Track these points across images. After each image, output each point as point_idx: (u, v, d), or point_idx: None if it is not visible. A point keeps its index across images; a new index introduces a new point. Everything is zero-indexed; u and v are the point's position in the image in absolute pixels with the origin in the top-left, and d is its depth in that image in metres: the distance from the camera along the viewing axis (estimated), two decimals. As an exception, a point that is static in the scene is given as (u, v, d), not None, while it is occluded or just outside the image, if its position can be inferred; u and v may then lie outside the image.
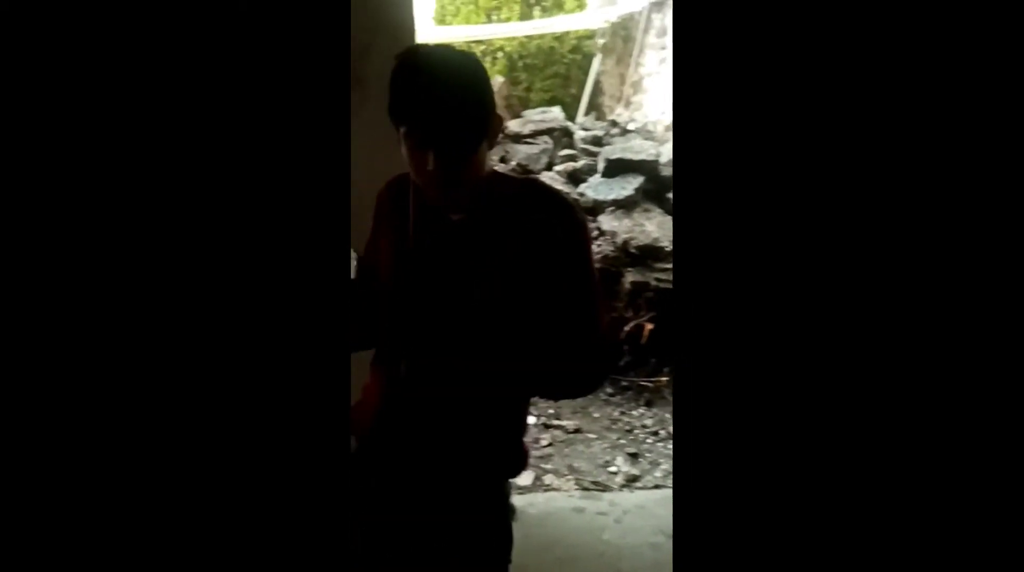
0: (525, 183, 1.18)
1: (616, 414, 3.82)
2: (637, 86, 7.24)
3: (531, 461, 3.27)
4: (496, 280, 1.08)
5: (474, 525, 1.18)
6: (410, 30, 2.34)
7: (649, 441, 3.58)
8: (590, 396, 3.87)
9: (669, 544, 2.47)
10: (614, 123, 5.70)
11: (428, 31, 7.31)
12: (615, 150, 4.77)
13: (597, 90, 7.32)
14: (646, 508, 2.76)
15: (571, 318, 1.08)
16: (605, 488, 3.11)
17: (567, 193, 4.51)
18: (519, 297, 1.07)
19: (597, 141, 5.24)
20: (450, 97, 0.99)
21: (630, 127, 5.59)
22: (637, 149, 4.73)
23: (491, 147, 1.08)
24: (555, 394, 1.17)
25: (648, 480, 3.20)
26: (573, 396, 1.22)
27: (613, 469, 3.28)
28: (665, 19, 6.87)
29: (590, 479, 3.15)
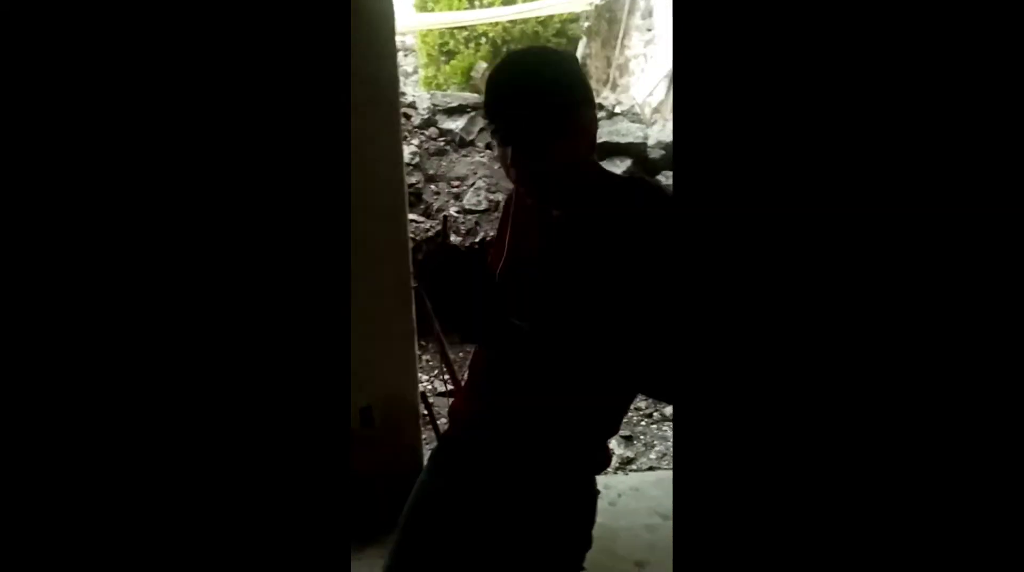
0: (629, 181, 1.16)
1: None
2: (623, 68, 7.21)
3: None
4: (593, 276, 1.06)
5: (559, 519, 1.18)
6: (389, 18, 2.32)
7: (643, 424, 3.60)
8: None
9: (664, 525, 2.50)
10: (600, 106, 5.68)
11: (409, 19, 7.25)
12: (602, 133, 4.76)
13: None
14: (640, 490, 2.77)
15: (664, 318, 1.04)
16: (600, 471, 3.12)
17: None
18: (618, 295, 1.04)
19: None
20: (515, 95, 1.02)
21: (617, 110, 5.57)
22: (624, 132, 4.72)
23: (583, 144, 1.08)
24: (658, 394, 1.16)
25: (643, 462, 3.22)
26: (658, 396, 1.17)
27: (608, 452, 3.30)
28: (650, 0, 6.83)
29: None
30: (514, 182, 1.09)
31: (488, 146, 5.04)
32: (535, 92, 1.02)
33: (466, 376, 1.29)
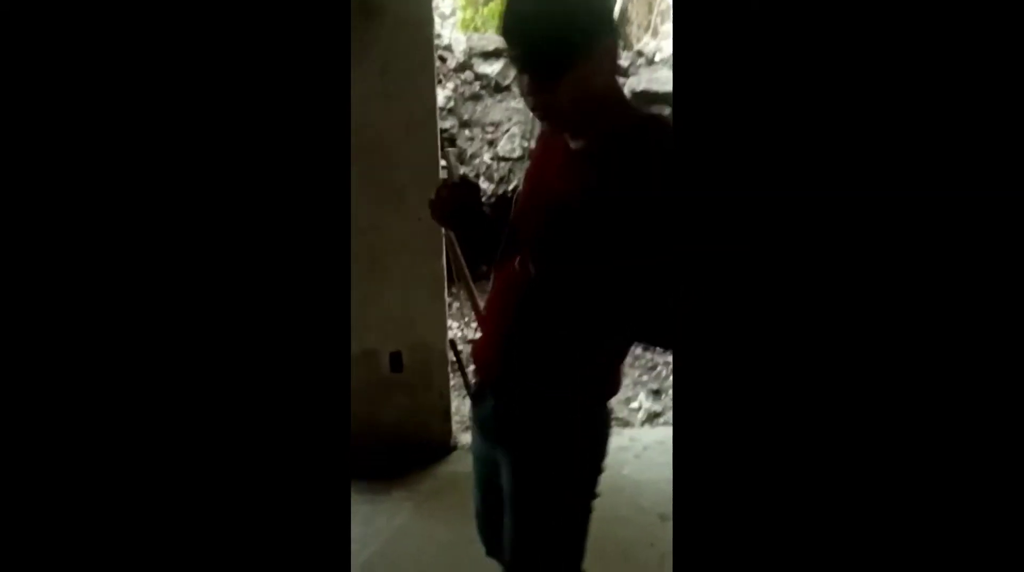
0: (647, 118, 1.13)
1: (639, 350, 3.82)
2: (665, 15, 7.00)
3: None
4: (607, 209, 1.04)
5: (568, 444, 1.23)
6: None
7: (671, 379, 3.59)
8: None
9: (689, 479, 2.50)
10: (640, 53, 5.53)
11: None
12: (640, 81, 4.64)
13: (623, 18, 7.09)
14: (665, 444, 2.77)
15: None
16: (627, 424, 3.13)
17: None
18: (627, 234, 1.04)
19: (623, 72, 5.09)
20: (530, 19, 1.01)
21: (656, 58, 5.42)
22: (663, 80, 4.60)
23: (600, 73, 1.05)
24: (653, 339, 1.25)
25: (670, 416, 3.21)
26: (659, 342, 1.25)
27: (635, 405, 3.30)
28: (695, -58, 6.59)
29: (612, 415, 3.17)
30: (531, 110, 1.09)
31: (524, 92, 4.95)
32: (550, 16, 1.00)
33: (480, 320, 1.34)
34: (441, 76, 4.76)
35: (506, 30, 1.04)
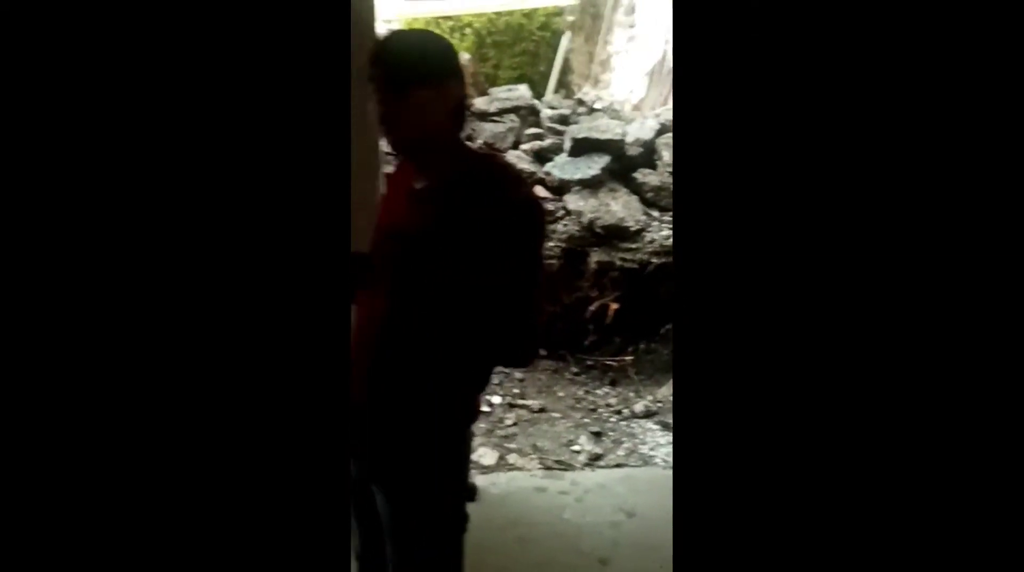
0: (487, 158, 1.31)
1: (581, 393, 3.84)
2: (605, 64, 7.21)
3: (495, 441, 3.29)
4: (446, 243, 1.17)
5: (431, 467, 1.30)
6: (369, 7, 2.29)
7: (612, 420, 3.61)
8: (554, 376, 3.89)
9: (628, 523, 2.51)
10: (581, 102, 5.68)
11: (397, 7, 7.19)
12: (581, 129, 4.75)
13: (566, 68, 7.28)
14: (607, 487, 2.79)
15: (511, 293, 1.17)
16: (568, 467, 3.13)
17: (530, 172, 4.50)
18: (466, 263, 1.16)
19: (564, 120, 5.21)
20: (390, 46, 1.19)
21: (597, 106, 5.57)
22: (603, 128, 4.71)
23: (447, 107, 1.20)
24: (494, 356, 1.32)
25: (611, 459, 3.23)
26: (510, 362, 1.35)
27: (576, 448, 3.31)
28: (634, -3, 6.83)
29: (553, 458, 3.17)
30: (385, 137, 1.22)
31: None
32: (406, 43, 1.20)
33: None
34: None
35: (372, 54, 1.19)
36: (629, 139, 4.65)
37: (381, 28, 2.43)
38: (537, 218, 1.20)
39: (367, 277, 1.27)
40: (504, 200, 1.17)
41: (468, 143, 1.30)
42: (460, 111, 1.24)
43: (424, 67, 1.17)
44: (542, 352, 3.90)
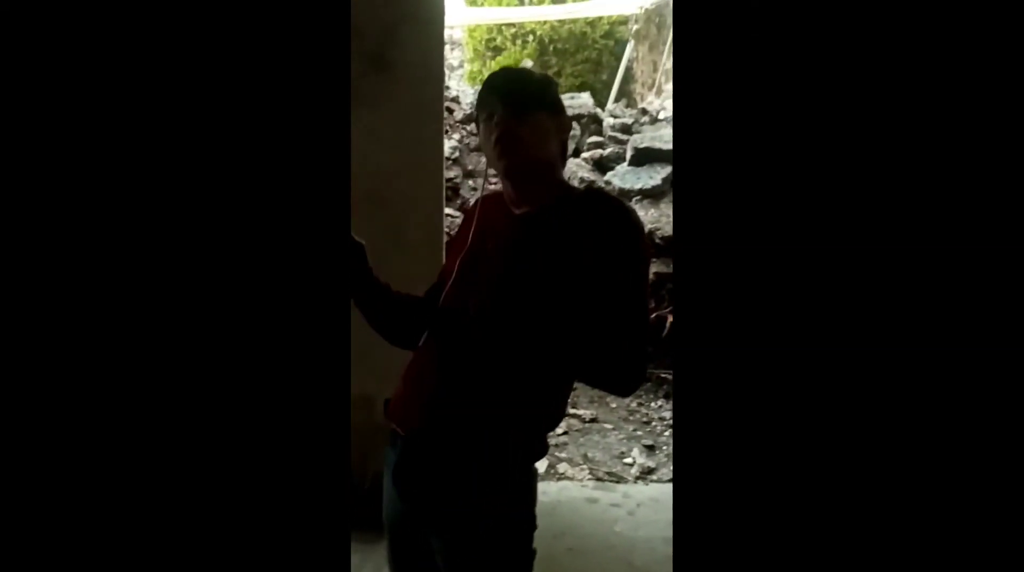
0: (589, 190, 1.35)
1: (634, 405, 3.80)
2: (669, 74, 7.15)
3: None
4: (549, 271, 1.15)
5: (500, 505, 1.21)
6: (439, 13, 2.31)
7: (666, 434, 3.56)
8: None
9: (682, 539, 2.47)
10: (644, 111, 5.64)
11: (459, 14, 7.27)
12: (644, 139, 4.72)
13: (628, 77, 7.25)
14: (660, 501, 2.75)
15: (619, 319, 1.14)
16: (620, 479, 3.10)
17: (590, 181, 4.50)
18: (571, 291, 1.14)
19: (626, 129, 5.19)
20: (506, 75, 1.24)
21: (660, 116, 5.52)
22: (666, 138, 4.68)
23: (557, 138, 1.24)
24: (597, 382, 1.26)
25: (664, 473, 3.18)
26: (613, 389, 1.25)
27: (628, 460, 3.27)
28: (700, 6, 6.76)
29: (605, 469, 3.14)
30: (494, 158, 1.21)
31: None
32: (531, 82, 1.24)
33: (404, 376, 1.33)
34: (448, 127, 4.84)
35: (486, 93, 1.23)
36: (692, 149, 4.61)
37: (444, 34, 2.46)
38: (641, 244, 1.19)
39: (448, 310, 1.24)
40: (608, 226, 1.17)
41: (564, 179, 1.32)
42: (566, 144, 1.27)
43: (543, 94, 1.23)
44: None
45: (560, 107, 1.26)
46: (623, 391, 1.24)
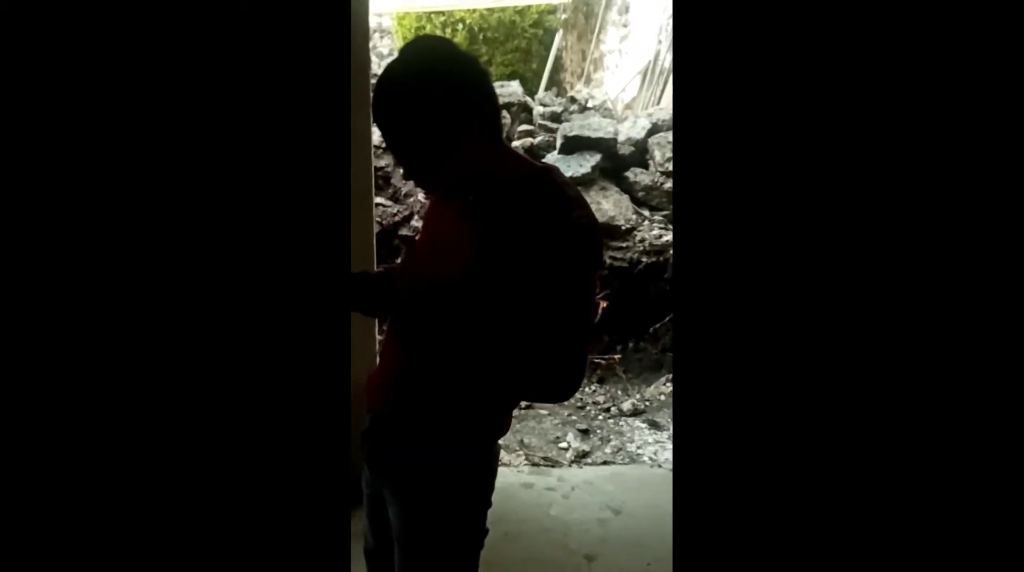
0: (533, 173, 1.14)
1: (568, 391, 3.85)
2: (598, 63, 7.22)
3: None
4: (483, 262, 1.08)
5: (455, 481, 1.23)
6: (363, 3, 2.28)
7: (600, 417, 3.62)
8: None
9: (615, 520, 2.52)
10: (573, 100, 5.69)
11: (388, 1, 7.16)
12: (573, 127, 4.76)
13: (558, 66, 7.29)
14: (594, 484, 2.80)
15: (554, 324, 1.05)
16: (555, 464, 3.14)
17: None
18: (503, 288, 1.06)
19: (556, 117, 5.22)
20: (384, 110, 1.09)
21: (589, 104, 5.57)
22: (595, 126, 4.72)
23: (472, 139, 1.10)
24: (532, 394, 1.26)
25: (598, 456, 3.24)
26: (549, 397, 1.18)
27: (564, 445, 3.32)
28: (627, -4, 6.84)
29: (540, 454, 3.17)
30: (407, 179, 1.18)
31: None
32: (407, 101, 1.07)
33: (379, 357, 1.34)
34: (377, 115, 4.77)
35: (373, 110, 1.11)
36: (621, 138, 4.66)
37: (373, 22, 2.42)
38: (582, 241, 1.06)
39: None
40: (545, 222, 1.04)
41: (509, 155, 1.17)
42: (490, 130, 1.13)
43: (415, 98, 1.06)
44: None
45: (452, 92, 1.07)
46: (558, 399, 1.15)
